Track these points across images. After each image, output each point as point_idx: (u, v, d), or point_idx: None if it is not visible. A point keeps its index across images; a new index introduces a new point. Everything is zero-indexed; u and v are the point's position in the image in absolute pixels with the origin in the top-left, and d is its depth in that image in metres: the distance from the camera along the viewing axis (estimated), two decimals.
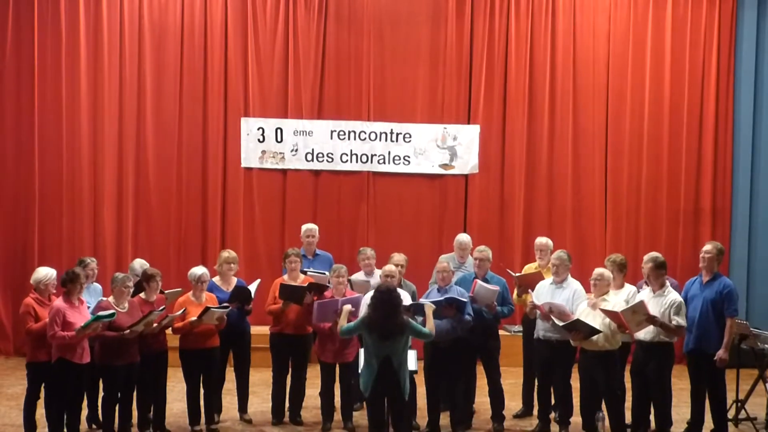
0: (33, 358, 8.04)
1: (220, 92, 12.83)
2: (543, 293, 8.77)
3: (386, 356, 7.20)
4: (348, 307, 8.12)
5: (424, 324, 7.67)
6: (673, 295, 8.09)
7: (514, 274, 9.59)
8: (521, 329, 10.32)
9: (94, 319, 7.72)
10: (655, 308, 7.96)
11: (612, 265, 8.72)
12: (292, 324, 9.05)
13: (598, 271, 8.44)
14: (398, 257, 9.27)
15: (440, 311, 8.33)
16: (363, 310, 8.41)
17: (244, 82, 12.86)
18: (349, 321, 7.89)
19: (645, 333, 8.01)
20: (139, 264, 9.28)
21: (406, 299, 8.10)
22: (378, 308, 7.22)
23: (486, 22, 13.03)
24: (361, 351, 7.92)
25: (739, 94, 13.20)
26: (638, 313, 7.86)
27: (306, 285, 9.00)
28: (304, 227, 10.51)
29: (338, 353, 8.82)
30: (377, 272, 9.69)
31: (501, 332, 9.47)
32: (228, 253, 9.33)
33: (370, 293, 8.49)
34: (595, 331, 8.03)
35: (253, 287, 9.12)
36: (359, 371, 8.27)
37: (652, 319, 7.88)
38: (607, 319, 8.07)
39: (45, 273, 8.18)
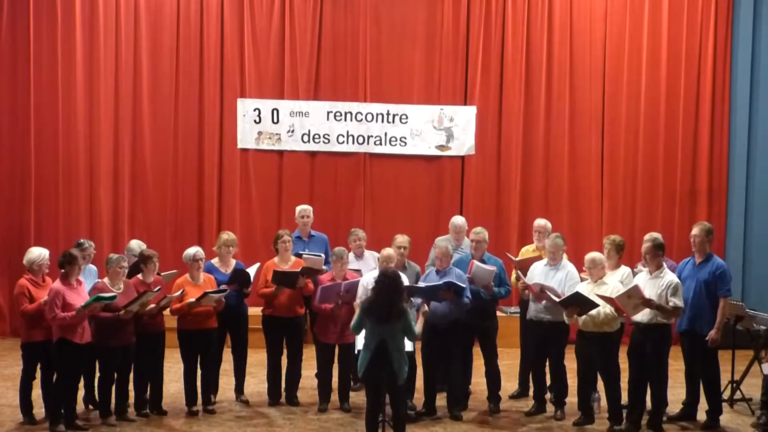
0: (28, 339, 8.09)
1: (216, 73, 12.79)
2: (537, 274, 8.79)
3: (382, 340, 7.19)
4: (357, 304, 8.15)
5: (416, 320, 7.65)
6: (669, 277, 8.10)
7: (514, 258, 9.57)
8: (518, 310, 10.33)
9: (95, 299, 7.75)
10: (652, 290, 7.97)
11: (611, 245, 8.72)
12: (283, 307, 9.04)
13: (588, 256, 8.43)
14: (401, 239, 9.16)
15: (439, 295, 8.36)
16: (360, 291, 8.47)
17: (241, 63, 12.83)
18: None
19: (642, 315, 8.02)
20: (137, 244, 9.27)
21: (405, 282, 8.10)
22: (381, 292, 7.22)
23: (482, 2, 13.00)
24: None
25: (735, 74, 13.19)
26: (633, 297, 7.87)
27: (299, 270, 8.99)
28: (298, 208, 10.48)
29: (340, 334, 8.83)
30: (367, 254, 9.71)
31: (498, 313, 9.47)
32: (227, 236, 9.30)
33: (369, 276, 8.57)
34: (594, 305, 8.04)
35: (252, 270, 9.10)
36: (355, 351, 8.32)
37: (647, 303, 7.89)
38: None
39: (38, 253, 8.18)
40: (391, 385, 7.28)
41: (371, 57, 12.97)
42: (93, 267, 9.21)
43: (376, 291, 7.28)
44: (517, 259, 9.51)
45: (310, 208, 10.51)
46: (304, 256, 9.30)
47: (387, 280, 7.26)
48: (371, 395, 7.35)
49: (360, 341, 7.98)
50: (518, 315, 10.12)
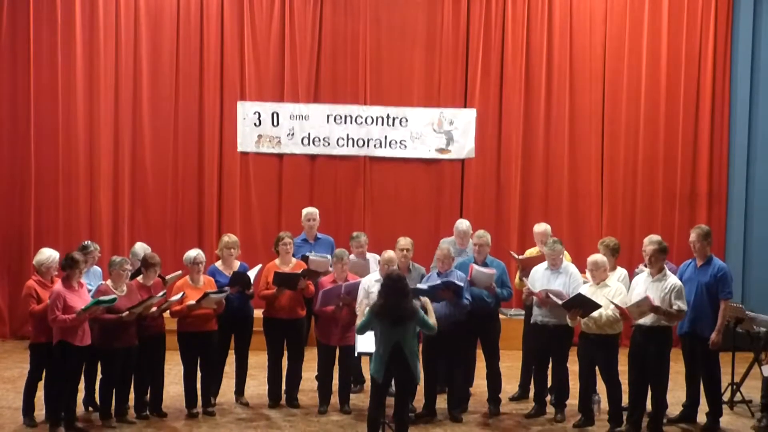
0: (35, 340, 8.12)
1: (216, 76, 12.79)
2: (538, 278, 8.80)
3: (396, 342, 7.18)
4: (363, 304, 8.20)
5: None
6: (672, 280, 8.07)
7: (517, 257, 9.59)
8: (519, 313, 10.34)
9: (95, 303, 7.75)
10: (655, 293, 7.95)
11: (605, 249, 8.75)
12: (284, 309, 9.04)
13: (591, 259, 8.42)
14: (404, 242, 9.12)
15: (437, 294, 8.36)
16: (361, 294, 8.48)
17: (241, 66, 12.83)
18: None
19: (645, 318, 8.01)
20: (141, 247, 9.26)
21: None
22: (388, 295, 7.21)
23: (482, 5, 13.00)
24: (357, 337, 7.97)
25: (735, 76, 13.18)
26: (642, 306, 7.88)
27: (300, 271, 8.99)
28: (304, 211, 10.44)
29: (342, 336, 8.85)
30: (369, 257, 9.71)
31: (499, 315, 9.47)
32: (228, 238, 9.28)
33: (370, 278, 8.59)
34: (596, 306, 8.04)
35: (253, 272, 9.09)
36: (356, 354, 8.32)
37: (655, 310, 7.88)
38: (606, 301, 8.10)
39: (48, 255, 8.18)
40: (406, 387, 7.28)
41: (371, 60, 12.97)
42: (98, 269, 9.24)
43: (383, 294, 7.27)
44: (521, 257, 9.51)
45: (316, 210, 10.45)
46: (311, 257, 9.31)
47: (392, 283, 7.26)
48: (378, 397, 7.34)
49: (360, 343, 8.00)
50: (519, 317, 10.14)
